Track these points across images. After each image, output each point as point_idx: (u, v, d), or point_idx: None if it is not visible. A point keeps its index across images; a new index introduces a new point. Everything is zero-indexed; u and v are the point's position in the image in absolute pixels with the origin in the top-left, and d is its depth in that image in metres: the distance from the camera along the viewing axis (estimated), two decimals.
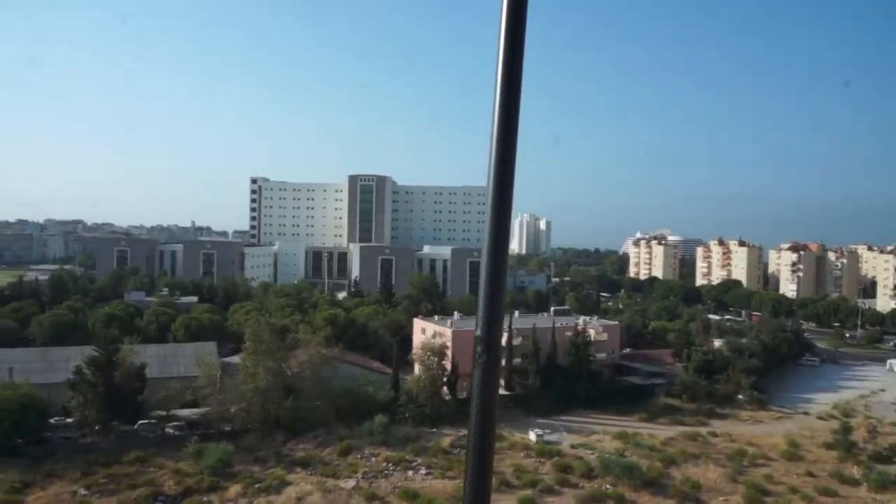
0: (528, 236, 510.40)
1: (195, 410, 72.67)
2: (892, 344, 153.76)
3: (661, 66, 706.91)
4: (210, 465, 58.85)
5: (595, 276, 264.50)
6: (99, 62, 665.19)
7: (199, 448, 61.60)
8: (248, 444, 66.85)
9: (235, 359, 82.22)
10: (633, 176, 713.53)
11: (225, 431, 69.39)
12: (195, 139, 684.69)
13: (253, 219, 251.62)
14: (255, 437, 68.49)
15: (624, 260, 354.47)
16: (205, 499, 54.58)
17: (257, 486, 56.56)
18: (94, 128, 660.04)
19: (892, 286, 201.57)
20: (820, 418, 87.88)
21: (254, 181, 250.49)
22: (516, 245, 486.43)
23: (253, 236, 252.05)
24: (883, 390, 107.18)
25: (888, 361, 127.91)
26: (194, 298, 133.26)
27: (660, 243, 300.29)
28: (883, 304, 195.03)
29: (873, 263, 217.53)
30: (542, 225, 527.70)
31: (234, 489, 55.84)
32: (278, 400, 71.67)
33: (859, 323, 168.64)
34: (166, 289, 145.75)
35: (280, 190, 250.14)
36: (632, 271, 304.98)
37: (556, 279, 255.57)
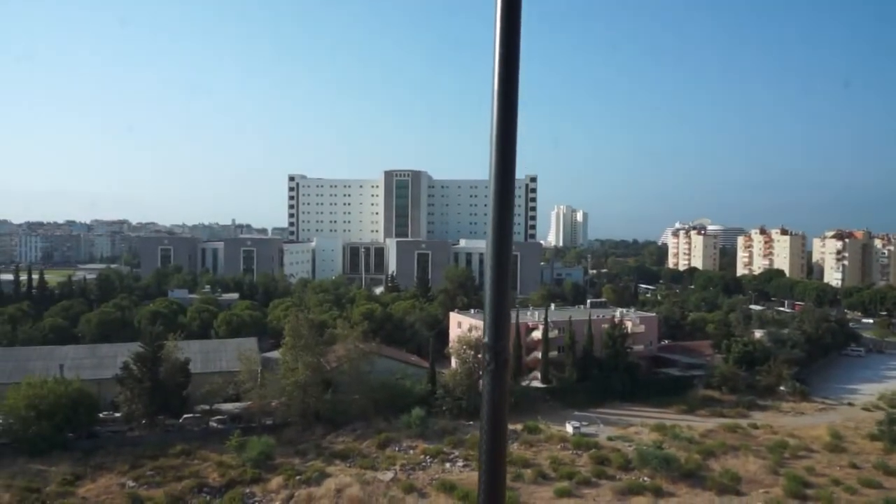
0: (564, 228, 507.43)
1: (237, 405, 74.50)
2: None
3: (695, 56, 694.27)
4: (252, 458, 60.41)
5: (633, 268, 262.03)
6: (137, 65, 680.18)
7: (242, 441, 63.23)
8: (289, 437, 68.41)
9: (275, 354, 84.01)
10: (671, 166, 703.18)
11: (266, 425, 71.11)
12: (236, 138, 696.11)
13: (291, 216, 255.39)
14: (296, 430, 70.00)
15: (663, 251, 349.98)
16: (247, 490, 56.05)
17: (298, 477, 57.85)
18: (137, 129, 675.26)
19: None
20: (865, 409, 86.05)
21: (291, 178, 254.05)
22: (553, 237, 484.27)
23: (291, 233, 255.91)
24: None
25: None
26: (235, 295, 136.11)
27: (699, 233, 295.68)
28: None
29: None
30: (579, 217, 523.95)
31: (276, 481, 57.23)
32: (317, 394, 73.10)
33: None
34: (208, 286, 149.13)
35: (317, 187, 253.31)
36: (671, 262, 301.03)
37: (594, 271, 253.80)
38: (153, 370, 69.48)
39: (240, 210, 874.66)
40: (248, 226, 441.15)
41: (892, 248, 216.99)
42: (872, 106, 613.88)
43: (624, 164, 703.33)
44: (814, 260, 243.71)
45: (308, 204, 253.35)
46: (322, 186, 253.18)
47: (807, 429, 76.61)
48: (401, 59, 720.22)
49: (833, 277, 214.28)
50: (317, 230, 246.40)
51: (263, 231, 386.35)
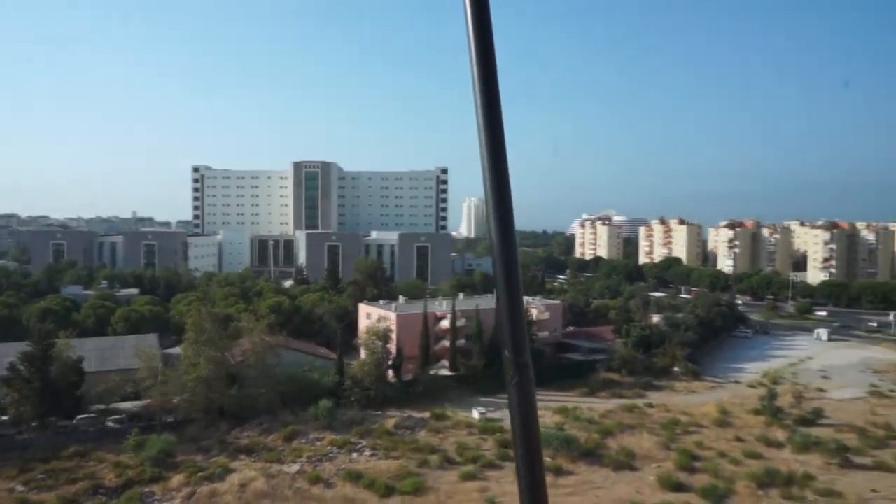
0: (476, 220, 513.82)
1: (136, 403, 72.03)
2: (821, 314, 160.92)
3: (612, 47, 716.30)
4: (151, 457, 58.68)
5: (541, 258, 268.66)
6: (35, 51, 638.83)
7: (140, 440, 61.32)
8: (192, 435, 66.83)
9: (178, 350, 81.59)
10: (580, 158, 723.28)
11: (167, 423, 69.18)
12: (135, 129, 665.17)
13: (196, 208, 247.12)
14: (199, 426, 68.42)
15: (570, 241, 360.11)
16: (146, 490, 54.47)
17: (200, 474, 56.67)
18: (25, 117, 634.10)
19: (821, 260, 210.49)
20: (750, 387, 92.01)
21: (196, 169, 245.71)
22: (465, 229, 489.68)
23: (196, 226, 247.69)
24: (810, 358, 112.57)
25: (816, 331, 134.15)
26: (135, 290, 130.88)
27: (604, 224, 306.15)
28: (813, 276, 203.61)
29: (804, 238, 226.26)
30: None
31: (177, 479, 55.87)
32: (222, 389, 71.66)
33: (790, 295, 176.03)
34: (105, 281, 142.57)
35: (223, 178, 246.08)
36: (578, 252, 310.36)
37: None
38: (43, 370, 66.15)
39: (141, 203, 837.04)
40: (151, 219, 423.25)
41: (778, 236, 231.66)
42: (767, 104, 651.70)
43: (534, 157, 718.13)
44: (709, 248, 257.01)
45: (214, 196, 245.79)
46: (228, 178, 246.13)
47: (697, 406, 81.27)
48: (312, 46, 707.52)
49: (726, 264, 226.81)
50: (223, 223, 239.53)
51: (167, 224, 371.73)
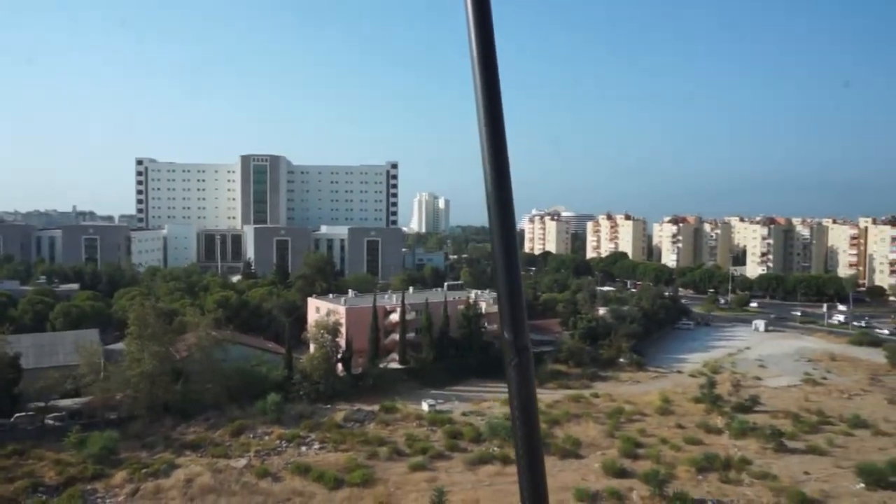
0: (427, 215, 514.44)
1: (77, 400, 70.20)
2: (755, 305, 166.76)
3: (563, 44, 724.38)
4: (93, 454, 57.37)
5: (491, 253, 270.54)
6: None
7: (82, 437, 59.85)
8: (136, 431, 65.49)
9: (121, 346, 79.76)
10: (530, 154, 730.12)
11: (110, 420, 67.60)
12: (75, 120, 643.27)
13: (140, 202, 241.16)
14: (143, 423, 67.07)
15: (520, 236, 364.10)
16: (88, 487, 53.26)
17: (144, 470, 55.63)
18: None
19: (759, 254, 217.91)
20: (691, 376, 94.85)
21: (139, 162, 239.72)
22: (416, 224, 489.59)
23: (140, 220, 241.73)
24: (748, 348, 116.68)
25: (754, 322, 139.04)
26: (75, 286, 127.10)
27: (553, 219, 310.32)
28: (752, 270, 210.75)
29: (744, 234, 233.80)
30: (441, 204, 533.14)
31: (120, 475, 54.75)
32: (166, 384, 70.40)
33: (730, 288, 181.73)
34: (43, 276, 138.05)
35: (168, 171, 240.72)
36: (527, 246, 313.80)
37: (454, 256, 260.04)
38: None
39: (82, 197, 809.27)
40: (92, 213, 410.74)
41: (719, 231, 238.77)
42: (707, 104, 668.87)
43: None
44: (654, 243, 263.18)
45: (159, 189, 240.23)
46: (174, 171, 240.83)
47: (641, 395, 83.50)
48: (259, 38, 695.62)
49: (669, 259, 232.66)
50: (169, 217, 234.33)
51: (109, 219, 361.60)
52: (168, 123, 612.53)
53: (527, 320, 2.61)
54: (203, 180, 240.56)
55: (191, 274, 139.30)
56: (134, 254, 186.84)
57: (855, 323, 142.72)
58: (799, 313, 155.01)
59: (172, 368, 72.71)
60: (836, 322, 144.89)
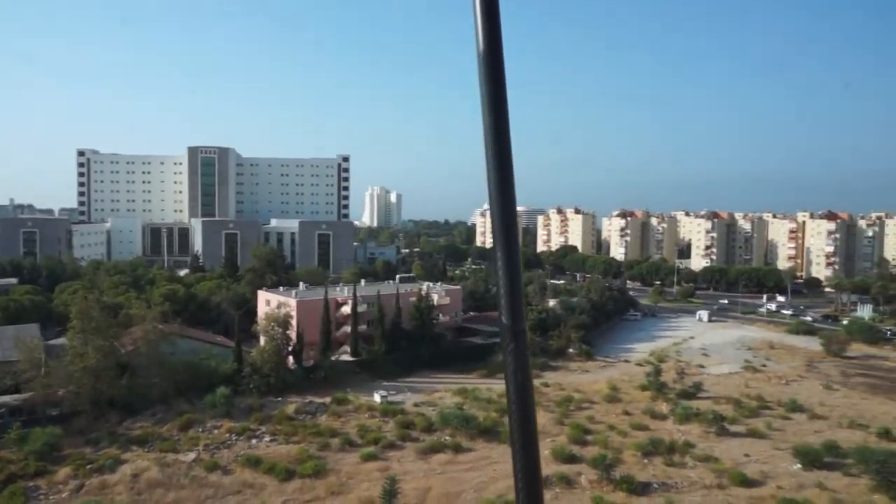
0: (379, 209, 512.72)
1: (17, 396, 67.87)
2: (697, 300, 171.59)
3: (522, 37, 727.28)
4: (35, 450, 55.71)
5: (443, 246, 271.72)
6: None
7: (23, 433, 58.09)
8: (79, 427, 63.79)
9: (62, 341, 77.51)
10: (479, 147, 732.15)
11: (52, 416, 65.66)
12: (12, 111, 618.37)
13: (81, 194, 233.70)
14: (87, 419, 65.34)
15: (472, 230, 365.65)
16: (31, 484, 51.75)
17: (89, 466, 54.30)
18: None
19: (703, 247, 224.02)
20: (638, 365, 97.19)
21: (81, 153, 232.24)
22: (367, 218, 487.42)
23: (82, 213, 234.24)
24: (692, 338, 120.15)
25: (698, 313, 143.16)
26: (13, 280, 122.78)
27: None
28: (696, 263, 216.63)
29: (689, 227, 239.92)
30: (393, 198, 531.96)
31: (64, 472, 53.32)
32: (111, 379, 68.71)
33: (676, 280, 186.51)
34: None
35: (112, 163, 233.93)
36: (479, 241, 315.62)
37: (406, 250, 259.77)
38: None
39: (18, 190, 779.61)
40: (31, 206, 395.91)
41: (665, 225, 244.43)
42: (654, 102, 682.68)
43: (436, 147, 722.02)
44: (603, 237, 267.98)
45: (102, 182, 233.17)
46: (117, 163, 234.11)
47: (590, 384, 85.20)
48: (206, 29, 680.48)
49: (618, 252, 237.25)
50: (112, 210, 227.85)
51: (49, 212, 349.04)
52: (112, 116, 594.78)
53: (525, 306, 2.68)
54: (149, 172, 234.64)
55: (136, 267, 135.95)
56: (76, 248, 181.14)
57: (784, 311, 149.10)
58: (741, 304, 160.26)
59: (118, 363, 71.04)
60: (771, 310, 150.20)
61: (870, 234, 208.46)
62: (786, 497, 50.42)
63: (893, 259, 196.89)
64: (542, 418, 69.69)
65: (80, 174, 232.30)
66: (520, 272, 2.57)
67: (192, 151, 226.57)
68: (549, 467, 56.32)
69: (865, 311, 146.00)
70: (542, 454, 58.01)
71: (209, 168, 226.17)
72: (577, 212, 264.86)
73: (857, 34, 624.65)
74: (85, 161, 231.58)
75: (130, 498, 49.46)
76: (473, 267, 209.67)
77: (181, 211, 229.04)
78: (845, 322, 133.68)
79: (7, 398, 67.59)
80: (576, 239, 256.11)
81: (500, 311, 2.55)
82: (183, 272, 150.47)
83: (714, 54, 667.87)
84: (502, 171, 2.52)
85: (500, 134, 2.50)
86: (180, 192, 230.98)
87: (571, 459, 58.09)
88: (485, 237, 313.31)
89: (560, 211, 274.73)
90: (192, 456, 57.64)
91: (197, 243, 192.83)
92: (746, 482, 54.02)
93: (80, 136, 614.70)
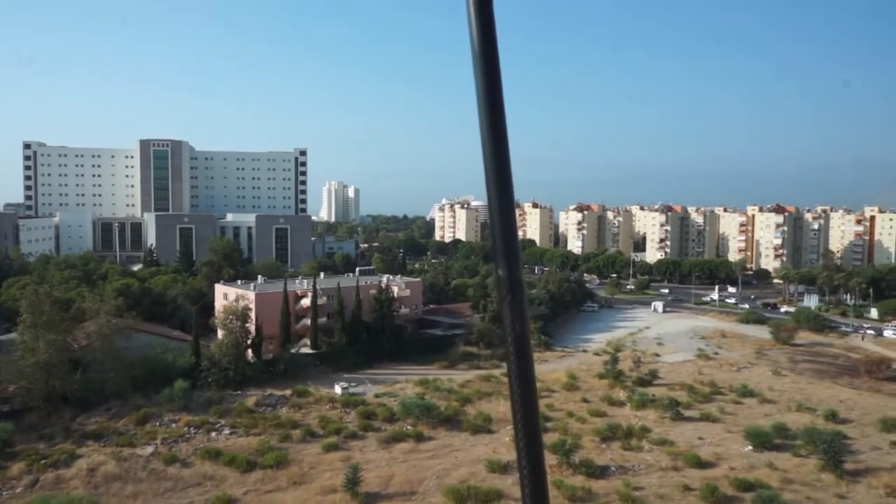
0: (336, 204, 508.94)
1: None
2: (663, 291, 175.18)
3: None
4: None
5: (402, 240, 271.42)
6: None
7: None
8: (31, 423, 62.20)
9: (10, 336, 75.38)
10: (444, 143, 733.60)
11: (2, 412, 63.87)
12: None
13: (28, 188, 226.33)
14: (39, 415, 63.72)
15: (431, 225, 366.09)
16: None
17: (43, 461, 53.05)
18: None
19: (658, 240, 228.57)
20: (596, 354, 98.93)
21: (27, 146, 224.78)
22: (325, 213, 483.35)
23: (29, 208, 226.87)
24: (648, 328, 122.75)
25: (653, 304, 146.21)
26: None
27: (463, 207, 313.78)
28: (651, 255, 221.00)
29: (644, 221, 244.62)
30: (351, 193, 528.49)
31: (17, 467, 51.98)
32: (64, 374, 67.00)
33: (632, 272, 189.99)
34: None
35: (60, 156, 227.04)
36: (437, 235, 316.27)
37: (365, 245, 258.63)
38: None
39: None
40: None
41: (621, 219, 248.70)
42: (608, 97, 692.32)
43: (397, 142, 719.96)
44: (560, 230, 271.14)
45: (49, 175, 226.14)
46: (66, 156, 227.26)
47: (549, 373, 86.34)
48: (160, 20, 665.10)
49: (575, 245, 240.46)
50: (61, 204, 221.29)
51: None
52: (60, 108, 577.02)
53: (521, 257, 2.64)
54: (99, 166, 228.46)
55: (87, 262, 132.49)
56: (22, 243, 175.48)
57: (729, 300, 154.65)
58: (694, 295, 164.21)
59: (70, 358, 69.36)
60: (714, 300, 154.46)
61: (815, 227, 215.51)
62: (738, 477, 52.12)
63: (837, 251, 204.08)
64: (503, 407, 70.66)
65: (27, 167, 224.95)
66: (514, 218, 2.56)
67: (144, 144, 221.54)
68: (509, 454, 57.09)
69: (812, 301, 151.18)
70: (503, 441, 58.97)
71: (162, 161, 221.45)
72: (535, 206, 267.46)
73: (793, 28, 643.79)
74: (31, 154, 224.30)
75: (87, 492, 48.47)
76: (433, 261, 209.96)
77: (133, 205, 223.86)
78: (792, 310, 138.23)
79: None
80: (533, 233, 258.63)
81: (497, 261, 2.51)
82: (136, 267, 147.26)
83: (668, 49, 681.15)
84: (495, 129, 2.46)
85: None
86: (132, 185, 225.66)
87: None
88: (443, 231, 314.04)
89: (518, 205, 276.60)
90: (149, 450, 56.74)
91: (150, 238, 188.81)
92: (701, 464, 55.66)
93: (25, 129, 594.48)
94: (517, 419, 2.55)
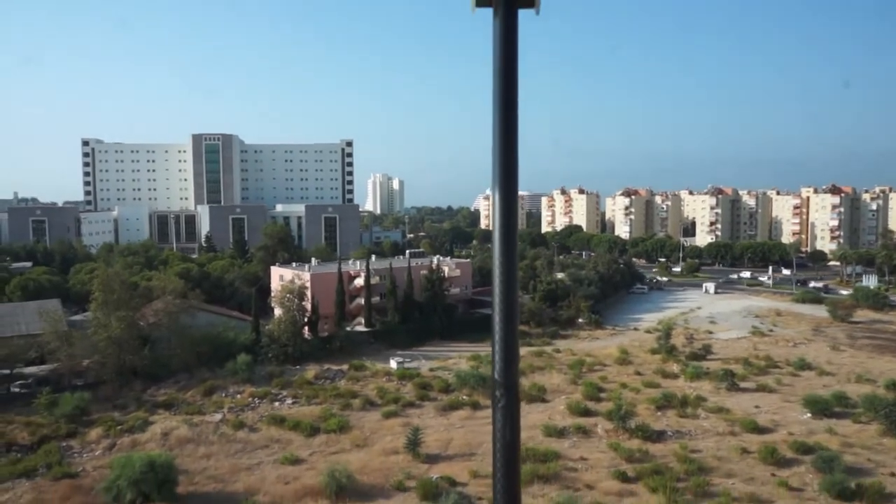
0: (381, 196, 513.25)
1: (43, 367, 69.65)
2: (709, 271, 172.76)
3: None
4: (66, 413, 57.37)
5: (448, 230, 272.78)
6: None
7: (52, 398, 59.67)
8: (106, 394, 65.52)
9: (82, 316, 79.15)
10: (485, 138, 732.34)
11: (77, 385, 67.31)
12: (13, 105, 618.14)
13: (87, 184, 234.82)
14: (112, 387, 67.00)
15: (476, 215, 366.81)
16: (64, 444, 53.40)
17: (119, 427, 56.01)
18: None
19: (708, 223, 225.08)
20: (647, 332, 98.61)
21: (86, 143, 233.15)
22: (370, 205, 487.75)
23: (88, 203, 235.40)
24: (699, 308, 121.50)
25: (704, 285, 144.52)
26: (28, 264, 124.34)
27: None
28: (701, 239, 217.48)
29: (693, 206, 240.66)
30: (396, 185, 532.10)
31: (95, 432, 54.98)
32: (134, 349, 70.30)
33: (681, 256, 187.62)
34: None
35: (116, 152, 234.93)
36: (483, 224, 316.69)
37: (412, 235, 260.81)
38: None
39: (21, 184, 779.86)
40: (34, 199, 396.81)
41: (669, 203, 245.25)
42: (652, 86, 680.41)
43: (439, 133, 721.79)
44: (607, 216, 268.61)
45: (107, 171, 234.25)
46: (122, 152, 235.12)
47: (600, 349, 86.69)
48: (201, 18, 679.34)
49: (622, 230, 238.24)
50: (119, 199, 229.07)
51: (53, 205, 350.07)
52: (113, 107, 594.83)
53: (518, 359, 2.53)
54: (153, 161, 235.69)
55: (148, 249, 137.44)
56: (84, 235, 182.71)
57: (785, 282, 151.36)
58: (748, 274, 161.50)
59: (139, 335, 72.63)
60: (772, 282, 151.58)
61: (874, 207, 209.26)
62: (797, 440, 51.90)
63: None
64: (557, 378, 71.53)
65: (86, 164, 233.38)
66: (517, 322, 2.45)
67: (197, 139, 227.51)
68: (565, 420, 57.95)
69: (871, 281, 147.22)
70: (558, 409, 59.68)
71: (213, 155, 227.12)
72: (582, 192, 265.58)
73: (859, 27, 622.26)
74: (90, 151, 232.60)
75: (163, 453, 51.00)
76: (479, 247, 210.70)
77: (186, 198, 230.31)
78: (850, 291, 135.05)
79: (34, 369, 69.28)
80: (580, 219, 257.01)
81: (493, 364, 2.41)
82: (193, 256, 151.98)
83: (714, 42, 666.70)
84: (507, 218, 2.42)
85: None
86: (185, 179, 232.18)
87: (587, 413, 59.59)
88: (489, 220, 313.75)
89: (564, 192, 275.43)
90: (218, 416, 59.28)
91: (204, 229, 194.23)
92: (758, 429, 55.51)
93: (82, 128, 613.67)
94: None
